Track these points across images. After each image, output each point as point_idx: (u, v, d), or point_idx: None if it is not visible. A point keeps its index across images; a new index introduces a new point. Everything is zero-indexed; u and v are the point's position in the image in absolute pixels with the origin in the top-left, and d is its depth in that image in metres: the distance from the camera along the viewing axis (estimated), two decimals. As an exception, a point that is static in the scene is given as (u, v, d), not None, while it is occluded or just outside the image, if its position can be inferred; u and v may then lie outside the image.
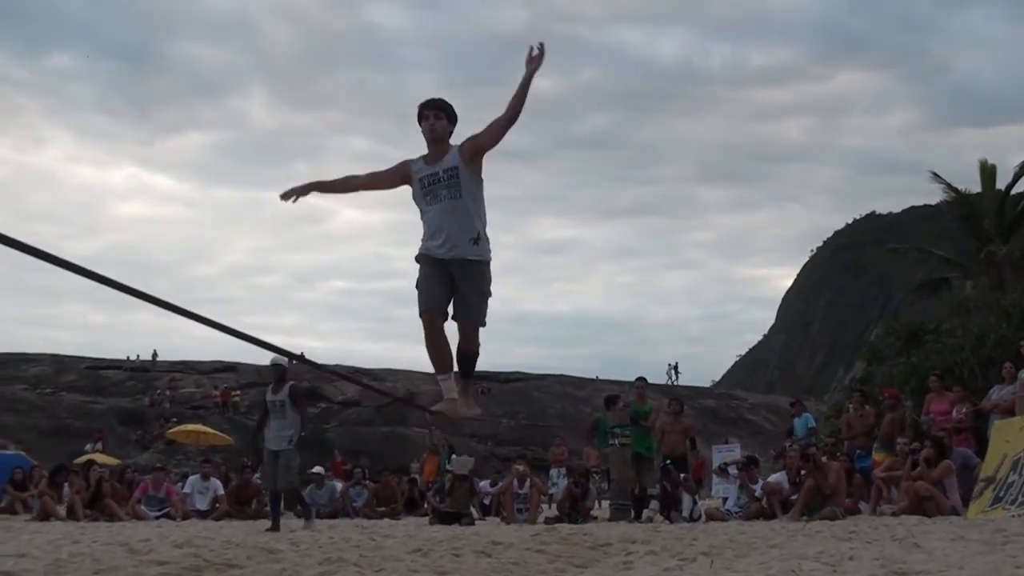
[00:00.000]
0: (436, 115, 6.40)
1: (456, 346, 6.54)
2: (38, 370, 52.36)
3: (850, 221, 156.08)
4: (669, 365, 67.63)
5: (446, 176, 6.32)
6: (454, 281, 6.34)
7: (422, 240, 6.46)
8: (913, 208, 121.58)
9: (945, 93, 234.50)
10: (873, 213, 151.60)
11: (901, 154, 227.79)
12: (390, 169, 6.60)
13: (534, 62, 6.18)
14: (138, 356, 55.02)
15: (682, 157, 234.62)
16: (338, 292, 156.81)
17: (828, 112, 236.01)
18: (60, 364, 54.05)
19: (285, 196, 6.55)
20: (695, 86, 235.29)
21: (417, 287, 6.39)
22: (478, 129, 6.36)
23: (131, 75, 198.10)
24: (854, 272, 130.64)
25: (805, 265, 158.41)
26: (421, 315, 6.36)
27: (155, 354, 55.05)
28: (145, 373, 53.10)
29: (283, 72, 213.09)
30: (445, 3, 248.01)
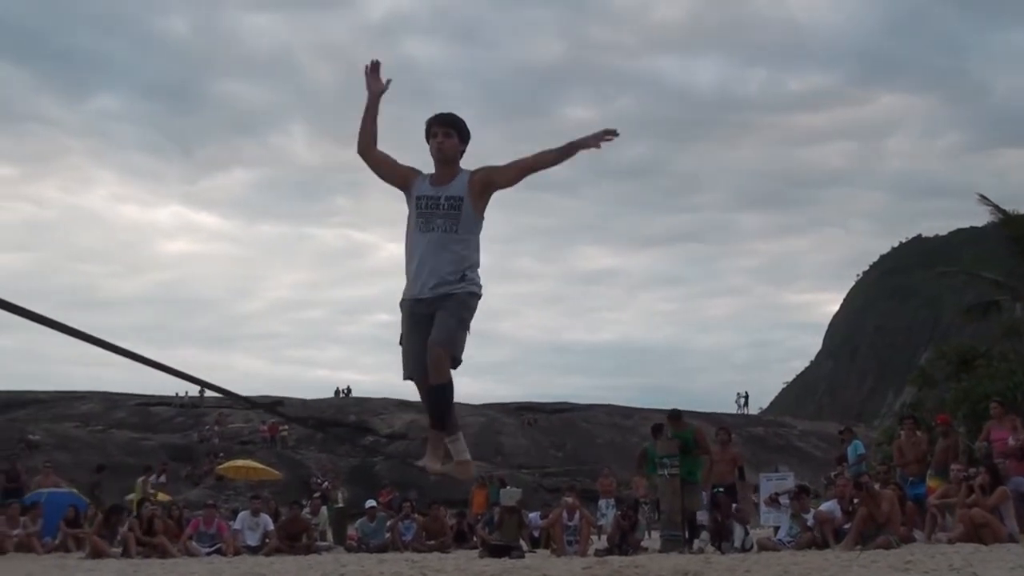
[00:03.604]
0: (445, 132, 5.82)
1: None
2: (88, 408, 52.87)
3: (896, 245, 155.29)
4: (738, 394, 67.54)
5: (447, 204, 5.70)
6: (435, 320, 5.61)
7: (406, 274, 5.84)
8: (960, 230, 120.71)
9: (987, 114, 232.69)
10: (919, 236, 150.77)
11: (944, 176, 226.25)
12: (400, 166, 5.95)
13: (591, 143, 5.64)
14: (186, 392, 55.36)
15: (722, 184, 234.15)
16: (381, 325, 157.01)
17: (868, 136, 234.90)
18: (110, 401, 54.54)
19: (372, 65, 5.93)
20: (733, 113, 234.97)
21: (400, 345, 5.81)
22: (497, 162, 5.83)
23: (174, 115, 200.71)
24: (901, 296, 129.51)
25: (851, 290, 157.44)
26: (409, 380, 5.78)
27: (203, 390, 55.43)
28: (194, 409, 53.48)
29: (323, 108, 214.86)
30: (481, 36, 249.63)
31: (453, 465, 5.86)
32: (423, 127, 5.90)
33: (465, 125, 5.90)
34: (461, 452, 5.84)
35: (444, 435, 5.79)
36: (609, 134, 5.63)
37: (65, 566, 13.16)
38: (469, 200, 5.69)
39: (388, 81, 5.92)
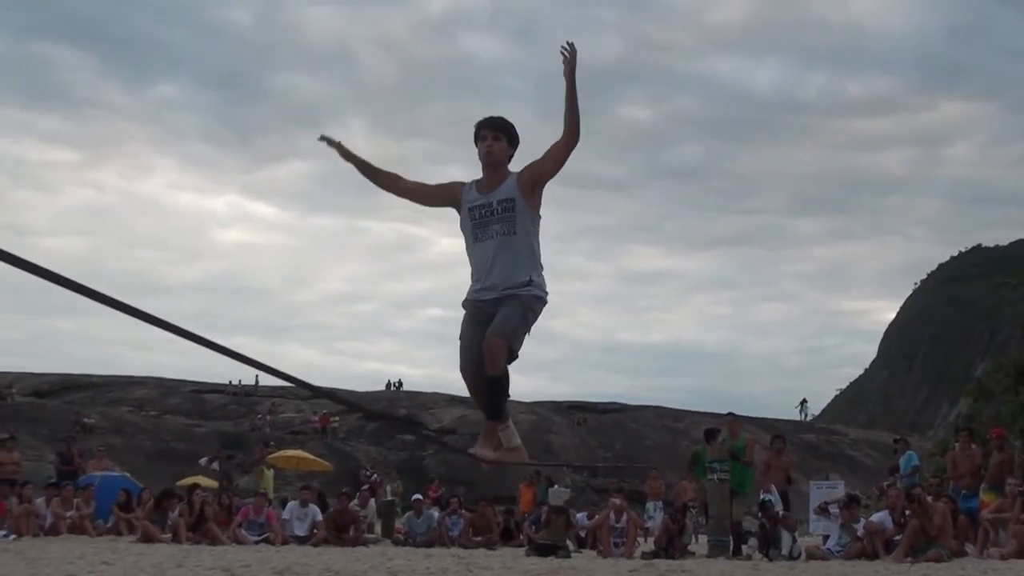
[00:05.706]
0: (494, 136, 5.78)
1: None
2: (143, 393, 53.58)
3: (955, 254, 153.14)
4: (803, 400, 67.34)
5: (500, 208, 5.68)
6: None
7: (471, 281, 5.81)
8: (1021, 241, 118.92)
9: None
10: (979, 246, 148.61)
11: (1006, 185, 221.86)
12: (439, 186, 5.99)
13: (569, 65, 5.59)
14: (240, 381, 55.95)
15: (778, 188, 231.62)
16: (434, 320, 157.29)
17: (929, 143, 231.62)
18: (165, 387, 55.25)
19: (324, 138, 6.10)
20: (791, 116, 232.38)
21: (460, 339, 5.80)
22: (537, 157, 5.73)
23: (233, 105, 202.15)
24: (960, 306, 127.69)
25: (909, 298, 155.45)
26: (462, 372, 5.77)
27: (257, 379, 55.92)
28: (247, 398, 53.97)
29: (381, 102, 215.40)
30: (540, 33, 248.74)
31: (505, 451, 5.88)
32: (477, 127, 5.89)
33: (514, 129, 5.86)
34: (512, 439, 5.87)
35: (497, 423, 5.81)
36: (565, 50, 5.64)
37: (117, 549, 13.34)
38: (521, 199, 5.66)
39: (339, 142, 6.08)
